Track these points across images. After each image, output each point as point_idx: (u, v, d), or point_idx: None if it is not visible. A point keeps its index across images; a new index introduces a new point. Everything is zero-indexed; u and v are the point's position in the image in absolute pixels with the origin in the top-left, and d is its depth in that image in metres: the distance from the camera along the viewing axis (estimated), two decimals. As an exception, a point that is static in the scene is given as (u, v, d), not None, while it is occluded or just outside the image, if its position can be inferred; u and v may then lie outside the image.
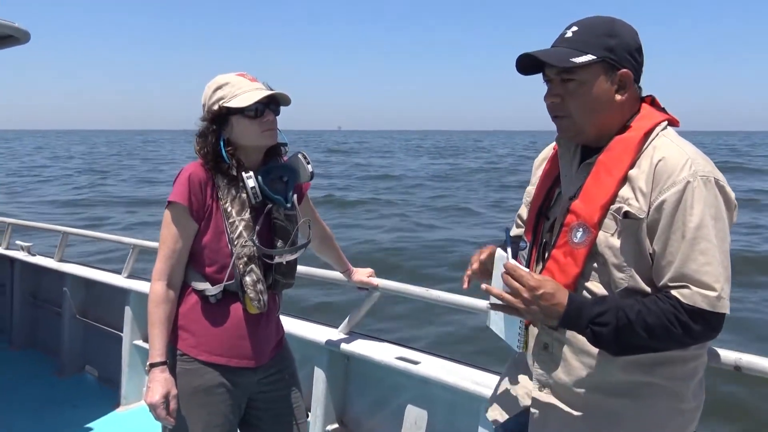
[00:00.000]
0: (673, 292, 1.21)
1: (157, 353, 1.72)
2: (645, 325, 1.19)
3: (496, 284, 1.34)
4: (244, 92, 1.73)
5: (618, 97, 1.31)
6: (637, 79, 1.34)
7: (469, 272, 1.53)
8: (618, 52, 1.29)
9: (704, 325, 1.20)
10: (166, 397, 1.70)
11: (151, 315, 1.74)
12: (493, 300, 1.32)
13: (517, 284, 1.24)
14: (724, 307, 1.20)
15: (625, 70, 1.29)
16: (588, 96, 1.30)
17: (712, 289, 1.19)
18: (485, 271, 1.49)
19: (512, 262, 1.28)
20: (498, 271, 1.33)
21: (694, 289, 1.19)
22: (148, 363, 1.73)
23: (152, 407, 1.69)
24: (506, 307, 1.28)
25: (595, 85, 1.29)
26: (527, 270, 1.26)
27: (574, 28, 1.33)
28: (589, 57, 1.27)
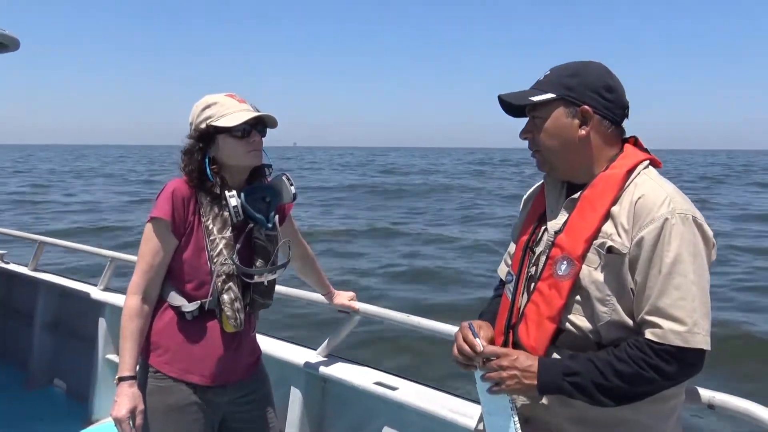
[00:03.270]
0: (647, 333, 1.23)
1: (127, 368, 1.70)
2: (616, 373, 1.23)
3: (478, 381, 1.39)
4: (232, 113, 1.74)
5: (581, 132, 1.35)
6: (612, 119, 1.36)
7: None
8: (577, 89, 1.35)
9: (679, 363, 1.21)
10: (133, 413, 1.68)
11: (123, 329, 1.72)
12: (483, 385, 1.38)
13: (495, 360, 1.33)
14: (700, 343, 1.20)
15: (585, 106, 1.34)
16: (549, 130, 1.37)
17: (684, 323, 1.20)
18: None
19: (485, 346, 1.36)
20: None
21: (666, 325, 1.21)
22: (116, 377, 1.71)
23: (117, 422, 1.67)
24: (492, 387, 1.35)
25: (555, 119, 1.36)
26: (499, 347, 1.38)
27: (547, 72, 1.42)
28: (547, 95, 1.36)
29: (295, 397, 2.56)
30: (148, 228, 1.75)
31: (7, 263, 4.41)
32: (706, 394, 1.51)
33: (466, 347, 1.37)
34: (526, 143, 1.43)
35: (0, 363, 4.27)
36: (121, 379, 1.70)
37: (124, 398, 1.68)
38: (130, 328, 1.72)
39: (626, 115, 1.40)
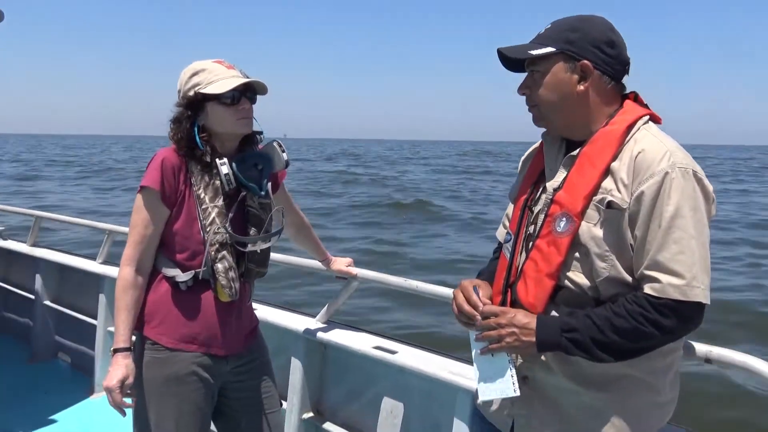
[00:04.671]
0: (646, 288, 1.23)
1: (122, 339, 1.71)
2: (614, 329, 1.23)
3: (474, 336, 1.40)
4: (220, 79, 1.71)
5: (580, 87, 1.34)
6: (613, 74, 1.35)
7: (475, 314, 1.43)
8: (578, 44, 1.33)
9: (677, 317, 1.21)
10: (123, 382, 1.69)
11: (117, 301, 1.72)
12: (478, 346, 1.38)
13: (493, 318, 1.34)
14: (698, 296, 1.20)
15: (585, 61, 1.32)
16: (548, 85, 1.36)
17: (682, 277, 1.20)
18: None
19: (484, 304, 1.38)
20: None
21: (665, 279, 1.21)
22: (112, 348, 1.72)
23: (108, 391, 1.69)
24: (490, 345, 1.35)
25: (555, 74, 1.35)
26: (496, 306, 1.39)
27: (548, 26, 1.39)
28: (548, 49, 1.34)
29: (296, 363, 2.58)
30: (139, 198, 1.73)
31: (6, 239, 4.41)
32: (702, 348, 1.51)
33: (466, 306, 1.38)
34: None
35: (3, 337, 4.31)
36: (116, 351, 1.71)
37: (117, 368, 1.69)
38: (124, 299, 1.72)
39: (627, 71, 1.38)
